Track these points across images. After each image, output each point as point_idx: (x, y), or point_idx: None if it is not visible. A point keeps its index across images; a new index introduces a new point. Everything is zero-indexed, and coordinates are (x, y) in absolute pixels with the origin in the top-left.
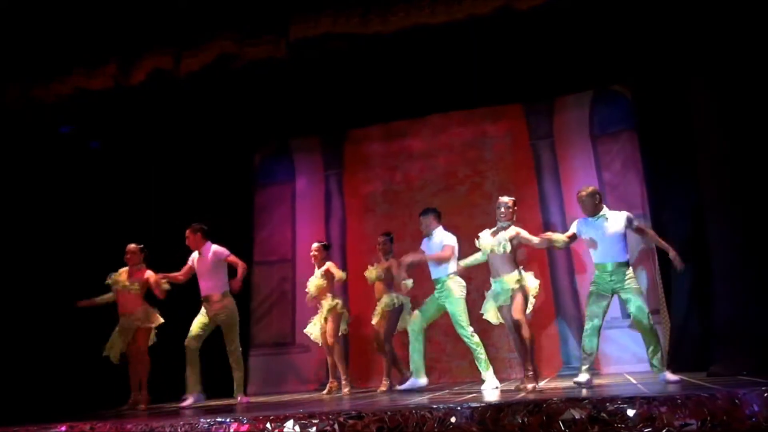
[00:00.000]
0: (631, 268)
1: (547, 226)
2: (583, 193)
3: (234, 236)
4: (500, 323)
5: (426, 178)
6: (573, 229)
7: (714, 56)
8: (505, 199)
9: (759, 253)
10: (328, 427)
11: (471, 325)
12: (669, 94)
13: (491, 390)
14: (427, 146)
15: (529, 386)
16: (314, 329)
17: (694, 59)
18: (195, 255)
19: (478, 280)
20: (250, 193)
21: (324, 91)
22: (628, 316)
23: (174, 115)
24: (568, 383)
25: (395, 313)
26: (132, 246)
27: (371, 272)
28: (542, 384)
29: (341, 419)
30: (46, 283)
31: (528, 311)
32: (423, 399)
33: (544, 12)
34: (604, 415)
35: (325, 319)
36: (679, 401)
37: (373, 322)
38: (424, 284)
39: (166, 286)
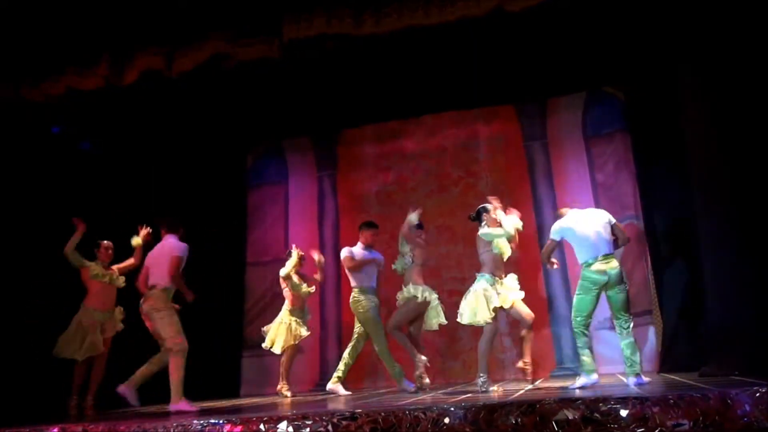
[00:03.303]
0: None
1: (541, 228)
2: None
3: (227, 237)
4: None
5: (419, 179)
6: None
7: (700, 41)
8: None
9: (751, 253)
10: (322, 428)
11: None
12: (661, 95)
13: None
14: (420, 147)
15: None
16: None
17: (681, 45)
18: None
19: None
20: (242, 194)
21: (317, 91)
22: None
23: (167, 116)
24: (561, 384)
25: (413, 307)
26: (110, 242)
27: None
28: (536, 384)
29: (335, 420)
30: (37, 284)
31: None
32: (417, 400)
33: (536, 13)
34: (597, 415)
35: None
36: (671, 401)
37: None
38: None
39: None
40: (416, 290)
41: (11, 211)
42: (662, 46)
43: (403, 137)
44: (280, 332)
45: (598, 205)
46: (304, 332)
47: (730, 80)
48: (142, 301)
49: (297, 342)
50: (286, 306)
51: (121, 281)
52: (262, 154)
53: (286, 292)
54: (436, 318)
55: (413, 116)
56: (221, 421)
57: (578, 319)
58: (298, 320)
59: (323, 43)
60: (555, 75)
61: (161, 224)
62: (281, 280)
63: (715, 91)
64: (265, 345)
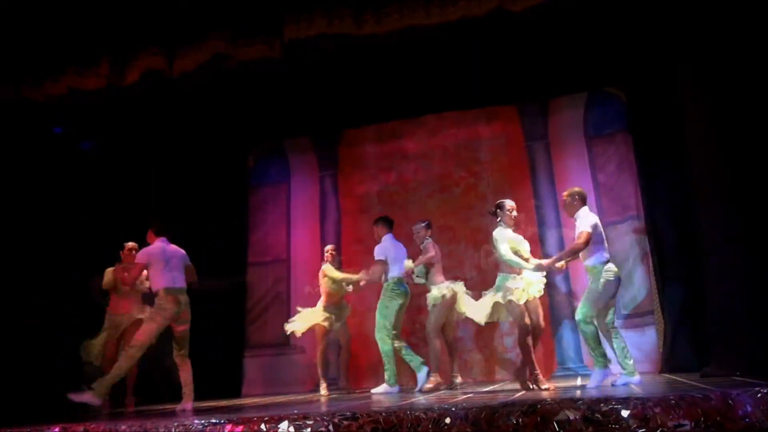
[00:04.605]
0: (598, 271)
1: (542, 228)
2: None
3: (228, 237)
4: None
5: (421, 179)
6: None
7: (700, 41)
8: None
9: (751, 252)
10: (323, 428)
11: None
12: (662, 95)
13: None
14: (421, 147)
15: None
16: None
17: (681, 45)
18: None
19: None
20: (244, 194)
21: (318, 91)
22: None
23: (168, 116)
24: (562, 384)
25: (443, 304)
26: (134, 244)
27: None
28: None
29: (336, 420)
30: (37, 285)
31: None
32: (418, 400)
33: (538, 13)
34: (599, 415)
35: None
36: (672, 402)
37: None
38: None
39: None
40: (439, 291)
41: (12, 211)
42: (663, 46)
43: (404, 137)
44: (307, 318)
45: (599, 205)
46: (329, 324)
47: (730, 80)
48: None
49: (326, 334)
50: (321, 302)
51: (146, 286)
52: (263, 154)
53: (322, 289)
54: (465, 307)
55: (414, 116)
56: (222, 421)
57: None
58: (330, 316)
59: (324, 43)
60: (556, 75)
61: (152, 226)
62: (320, 278)
63: (715, 91)
64: (288, 328)
